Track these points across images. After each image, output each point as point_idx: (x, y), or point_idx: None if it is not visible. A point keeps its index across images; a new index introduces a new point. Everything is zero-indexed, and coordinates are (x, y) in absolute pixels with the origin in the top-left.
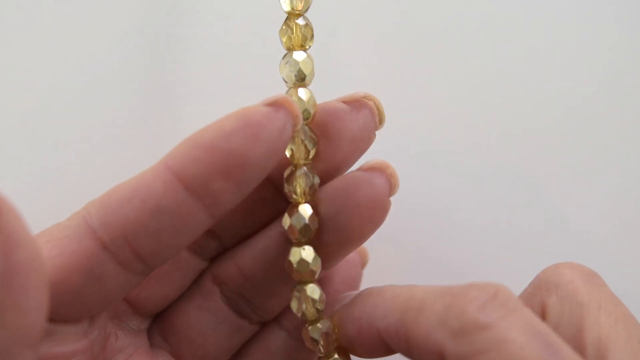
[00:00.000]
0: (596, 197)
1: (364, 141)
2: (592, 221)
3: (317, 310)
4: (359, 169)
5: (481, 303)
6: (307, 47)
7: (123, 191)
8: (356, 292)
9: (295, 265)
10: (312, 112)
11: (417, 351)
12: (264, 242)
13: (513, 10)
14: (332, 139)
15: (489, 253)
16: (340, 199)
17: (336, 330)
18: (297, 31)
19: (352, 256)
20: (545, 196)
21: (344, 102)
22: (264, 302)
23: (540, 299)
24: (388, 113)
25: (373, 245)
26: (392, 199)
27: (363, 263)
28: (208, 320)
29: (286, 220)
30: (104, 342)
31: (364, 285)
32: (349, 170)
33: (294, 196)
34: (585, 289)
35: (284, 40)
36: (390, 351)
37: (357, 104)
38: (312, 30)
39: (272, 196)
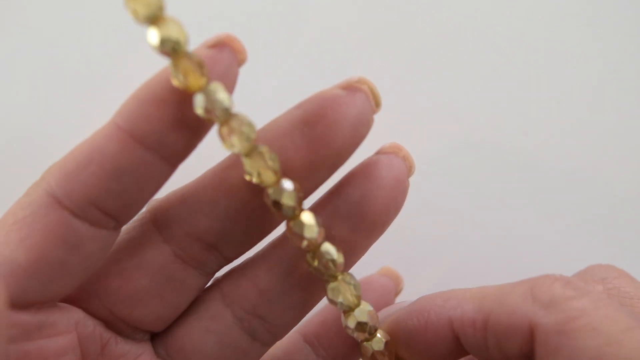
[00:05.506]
0: (606, 199)
1: (363, 125)
2: (604, 224)
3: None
4: (374, 154)
5: (564, 282)
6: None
7: (79, 157)
8: (406, 302)
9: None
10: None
11: (499, 332)
12: (278, 251)
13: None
14: (332, 124)
15: (492, 254)
16: (363, 183)
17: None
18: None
19: (386, 282)
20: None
21: (340, 87)
22: (280, 316)
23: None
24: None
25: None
26: None
27: (397, 291)
28: (215, 343)
29: (296, 231)
30: (99, 347)
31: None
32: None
33: (288, 212)
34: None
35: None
36: (451, 348)
37: (351, 88)
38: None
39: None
